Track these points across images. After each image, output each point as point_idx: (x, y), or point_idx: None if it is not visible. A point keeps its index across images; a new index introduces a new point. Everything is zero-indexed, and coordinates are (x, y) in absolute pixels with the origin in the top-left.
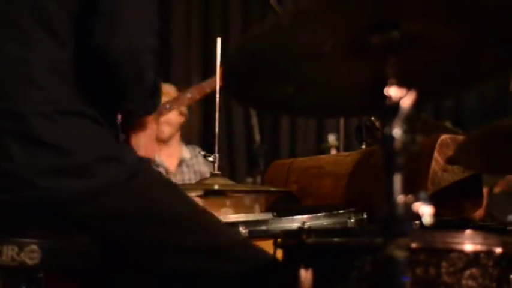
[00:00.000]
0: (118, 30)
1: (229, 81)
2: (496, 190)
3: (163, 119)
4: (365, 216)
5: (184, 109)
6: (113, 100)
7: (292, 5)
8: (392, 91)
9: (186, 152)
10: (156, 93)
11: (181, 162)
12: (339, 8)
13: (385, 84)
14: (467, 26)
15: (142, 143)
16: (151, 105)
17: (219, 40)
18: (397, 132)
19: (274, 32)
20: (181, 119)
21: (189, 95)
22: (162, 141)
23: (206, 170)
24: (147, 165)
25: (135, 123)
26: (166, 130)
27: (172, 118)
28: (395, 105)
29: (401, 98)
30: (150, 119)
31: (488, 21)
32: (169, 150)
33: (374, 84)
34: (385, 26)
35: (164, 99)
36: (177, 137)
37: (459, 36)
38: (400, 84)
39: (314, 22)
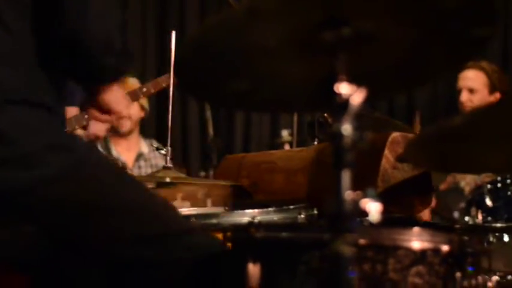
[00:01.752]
0: (89, 13)
1: (182, 75)
2: (442, 187)
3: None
4: (316, 212)
5: (145, 104)
6: (62, 87)
7: (246, 1)
8: (343, 88)
9: (144, 147)
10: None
11: (138, 157)
12: (291, 4)
13: (335, 81)
14: (417, 24)
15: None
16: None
17: (173, 33)
18: (346, 129)
19: (227, 27)
20: (141, 114)
21: (144, 89)
22: (121, 135)
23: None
24: (96, 154)
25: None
26: (126, 124)
27: (133, 113)
28: (345, 102)
29: (351, 94)
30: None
31: (437, 19)
32: (128, 144)
33: (325, 81)
34: (337, 23)
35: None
36: (136, 131)
37: (409, 34)
38: (351, 81)
39: (267, 18)
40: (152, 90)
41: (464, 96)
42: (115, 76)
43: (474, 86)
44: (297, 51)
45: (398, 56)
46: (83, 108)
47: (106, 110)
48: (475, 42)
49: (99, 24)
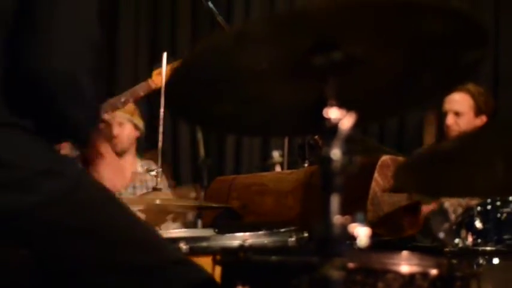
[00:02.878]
0: (55, 49)
1: (171, 98)
2: (426, 209)
3: (117, 132)
4: (306, 234)
5: (139, 123)
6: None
7: (236, 25)
8: (332, 112)
9: (139, 167)
10: (94, 120)
11: (132, 176)
12: (281, 29)
13: (325, 105)
14: (406, 49)
15: (106, 175)
16: (87, 134)
17: (165, 54)
18: (335, 153)
19: (217, 51)
20: (136, 133)
21: (122, 99)
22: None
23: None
24: (88, 178)
25: (88, 154)
26: (119, 144)
27: (127, 133)
28: (335, 126)
29: (340, 119)
30: (105, 147)
31: (427, 44)
32: (123, 164)
33: (315, 105)
34: (326, 47)
35: None
36: (132, 151)
37: (399, 58)
38: (340, 105)
39: (256, 42)
40: (131, 100)
41: (450, 120)
42: (84, 132)
43: (460, 109)
44: (286, 76)
45: (388, 80)
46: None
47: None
48: (465, 66)
49: (65, 65)
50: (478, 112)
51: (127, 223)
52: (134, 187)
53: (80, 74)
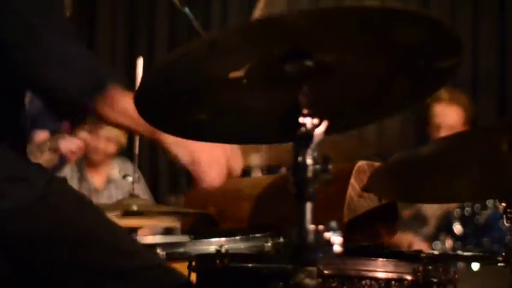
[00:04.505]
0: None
1: (142, 105)
2: (406, 214)
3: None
4: (282, 240)
5: (122, 138)
6: (21, 117)
7: (208, 33)
8: (306, 120)
9: (115, 170)
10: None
11: (109, 181)
12: (253, 37)
13: (299, 113)
14: (380, 57)
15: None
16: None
17: (140, 60)
18: (309, 161)
19: (188, 58)
20: (115, 148)
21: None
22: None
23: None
24: (58, 185)
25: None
26: (96, 156)
27: (104, 147)
28: (309, 134)
29: (314, 126)
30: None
31: (400, 52)
32: (99, 167)
33: (288, 113)
34: (299, 55)
35: None
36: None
37: (372, 66)
38: (314, 113)
39: (229, 50)
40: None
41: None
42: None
43: (455, 123)
44: (260, 83)
45: (362, 88)
46: (55, 131)
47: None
48: (440, 73)
49: (62, 72)
50: (467, 123)
51: (101, 228)
52: (110, 193)
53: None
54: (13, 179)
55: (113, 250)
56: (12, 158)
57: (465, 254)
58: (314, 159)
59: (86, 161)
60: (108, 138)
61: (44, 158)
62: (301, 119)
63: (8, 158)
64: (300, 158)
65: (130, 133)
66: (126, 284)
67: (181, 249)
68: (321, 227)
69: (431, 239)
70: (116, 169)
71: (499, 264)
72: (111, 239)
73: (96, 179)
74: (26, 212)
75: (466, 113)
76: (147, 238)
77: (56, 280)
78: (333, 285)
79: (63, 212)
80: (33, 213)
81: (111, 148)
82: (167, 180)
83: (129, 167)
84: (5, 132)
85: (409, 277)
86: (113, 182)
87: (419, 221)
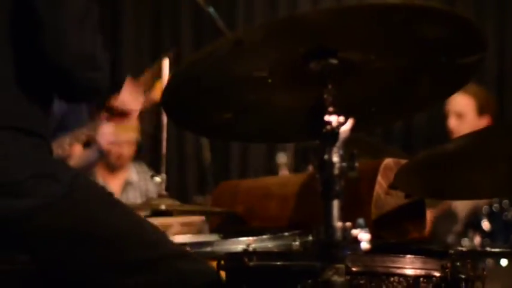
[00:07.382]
0: (66, 40)
1: (168, 105)
2: (436, 212)
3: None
4: (310, 238)
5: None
6: (48, 113)
7: (233, 32)
8: (331, 118)
9: (133, 173)
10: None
11: (126, 185)
12: (277, 35)
13: (324, 110)
14: (403, 54)
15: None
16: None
17: (166, 61)
18: (335, 158)
19: (214, 58)
20: (134, 149)
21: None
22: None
23: (154, 189)
24: (84, 181)
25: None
26: (119, 163)
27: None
28: (334, 131)
29: (340, 124)
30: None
31: (424, 49)
32: (118, 171)
33: (314, 111)
34: (323, 53)
35: None
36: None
37: (396, 64)
38: (339, 111)
39: (254, 49)
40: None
41: (453, 122)
42: (100, 92)
43: (462, 110)
44: (285, 82)
45: (386, 85)
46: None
47: (121, 112)
48: (463, 70)
49: (79, 39)
50: (480, 112)
51: (126, 221)
52: (127, 194)
53: (92, 47)
54: (39, 176)
55: (140, 242)
56: (37, 155)
57: (494, 250)
58: (340, 157)
59: (101, 166)
60: (129, 142)
61: (78, 151)
62: (326, 117)
63: (33, 155)
64: (326, 156)
65: (157, 134)
66: (153, 274)
67: (209, 248)
68: (348, 224)
69: (460, 236)
70: (133, 172)
71: None
72: (137, 232)
73: (113, 183)
74: (52, 209)
75: (477, 101)
76: (175, 237)
77: (82, 275)
78: (361, 282)
79: (89, 207)
80: (59, 209)
81: (132, 151)
82: (194, 180)
83: (145, 169)
84: (32, 129)
85: (437, 274)
86: (130, 185)
87: (450, 218)
